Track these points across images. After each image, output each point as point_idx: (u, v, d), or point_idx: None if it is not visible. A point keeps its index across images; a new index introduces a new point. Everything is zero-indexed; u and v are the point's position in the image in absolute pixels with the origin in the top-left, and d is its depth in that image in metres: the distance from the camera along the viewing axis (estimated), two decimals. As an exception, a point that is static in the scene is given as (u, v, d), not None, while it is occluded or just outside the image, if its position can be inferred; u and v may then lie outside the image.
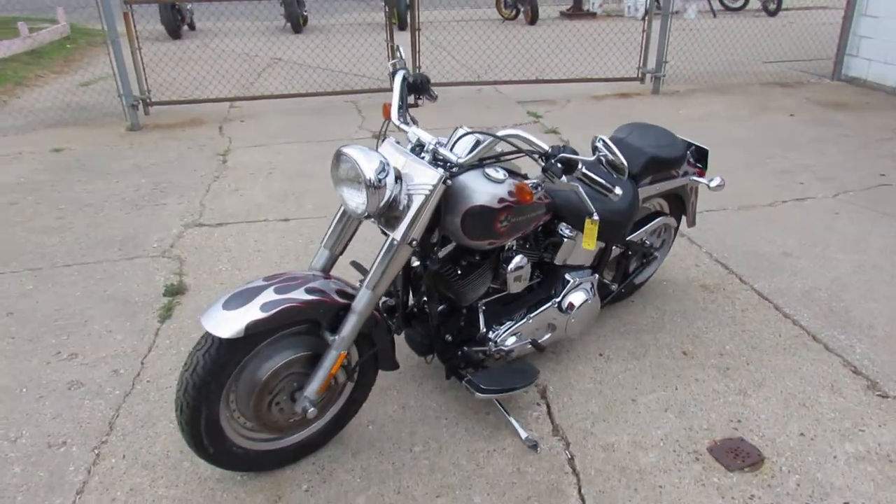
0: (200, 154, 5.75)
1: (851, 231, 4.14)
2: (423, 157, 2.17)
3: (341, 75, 8.41)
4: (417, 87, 2.51)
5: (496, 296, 2.64)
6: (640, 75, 7.62)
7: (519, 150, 2.05)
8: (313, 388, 2.16)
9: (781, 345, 3.07)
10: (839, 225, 4.24)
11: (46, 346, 3.10)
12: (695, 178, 3.13)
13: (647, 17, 7.49)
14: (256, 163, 5.47)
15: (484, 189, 2.19)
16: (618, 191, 2.06)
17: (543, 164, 1.99)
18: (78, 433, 2.56)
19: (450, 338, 2.55)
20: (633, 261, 3.17)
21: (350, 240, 2.36)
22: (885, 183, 4.89)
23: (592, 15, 14.44)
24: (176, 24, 11.41)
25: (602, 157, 1.94)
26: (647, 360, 2.97)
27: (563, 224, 2.68)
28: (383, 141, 2.31)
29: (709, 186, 3.07)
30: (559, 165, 1.98)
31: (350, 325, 2.14)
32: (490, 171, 2.21)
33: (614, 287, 3.09)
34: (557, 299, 2.71)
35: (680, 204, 3.27)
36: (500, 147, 2.17)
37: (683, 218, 3.40)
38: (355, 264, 2.78)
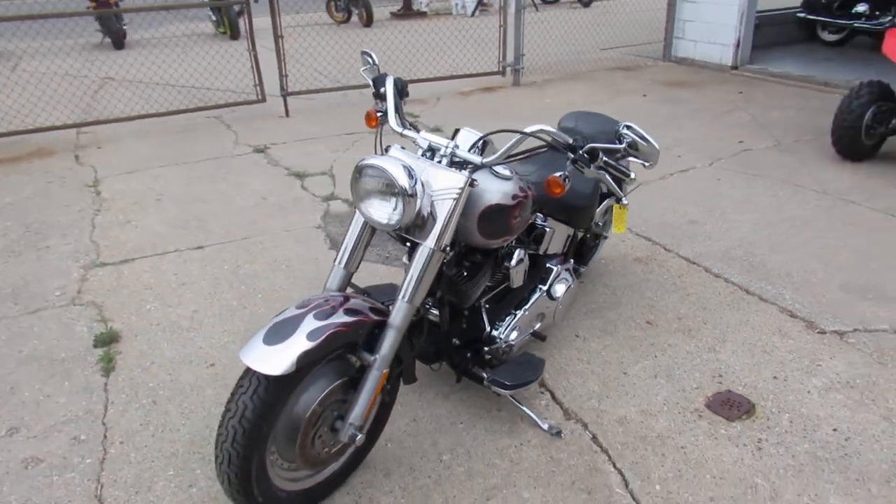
0: (64, 187, 5.17)
1: (737, 194, 4.62)
2: (439, 162, 2.13)
3: (193, 90, 7.90)
4: (400, 93, 2.45)
5: (491, 294, 2.66)
6: (501, 69, 7.91)
7: (547, 144, 2.08)
8: (358, 413, 2.06)
9: (724, 302, 3.37)
10: (725, 190, 4.71)
11: (-25, 425, 2.68)
12: (631, 159, 3.33)
13: (502, 13, 7.77)
14: (136, 191, 5.02)
15: (497, 188, 2.20)
16: (633, 175, 2.16)
17: (573, 155, 2.05)
18: (63, 514, 2.25)
19: (457, 341, 2.54)
20: (588, 242, 3.32)
21: (363, 256, 2.27)
22: (747, 148, 5.49)
23: (423, 14, 14.70)
24: (-27, 47, 10.10)
25: (629, 143, 2.03)
26: (619, 335, 3.13)
27: (538, 214, 2.75)
28: (387, 150, 2.24)
29: (644, 165, 3.27)
30: (586, 156, 2.04)
31: (389, 342, 2.07)
32: (498, 168, 2.22)
33: (582, 269, 3.22)
34: (545, 288, 2.78)
35: (617, 184, 3.46)
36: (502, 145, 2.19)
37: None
38: (351, 284, 2.67)
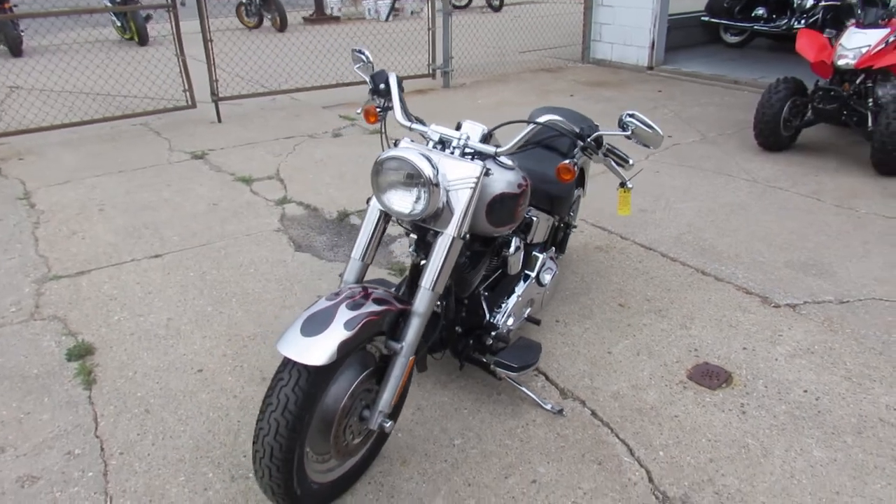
0: (-9, 201, 4.88)
1: (677, 184, 4.91)
2: (451, 153, 2.20)
3: (112, 98, 7.57)
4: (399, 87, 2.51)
5: (487, 282, 2.75)
6: (431, 71, 8.01)
7: (561, 133, 2.20)
8: (387, 400, 2.11)
9: (685, 283, 3.60)
10: (665, 181, 4.99)
11: (-48, 448, 2.52)
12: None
13: (429, 17, 7.88)
14: (75, 201, 4.80)
15: (503, 177, 2.29)
16: (631, 161, 2.31)
17: (582, 143, 2.17)
18: (77, 529, 2.17)
19: (459, 329, 2.61)
20: (562, 231, 3.47)
21: (377, 248, 2.31)
22: (676, 143, 5.83)
23: (336, 19, 14.63)
24: None
25: (633, 130, 2.17)
26: (596, 319, 3.29)
27: None
28: (395, 143, 2.29)
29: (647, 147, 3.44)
30: (594, 143, 2.17)
31: (414, 329, 2.12)
32: (502, 158, 2.32)
33: (560, 257, 3.36)
34: (533, 275, 2.89)
35: (581, 176, 3.64)
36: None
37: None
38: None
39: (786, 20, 8.55)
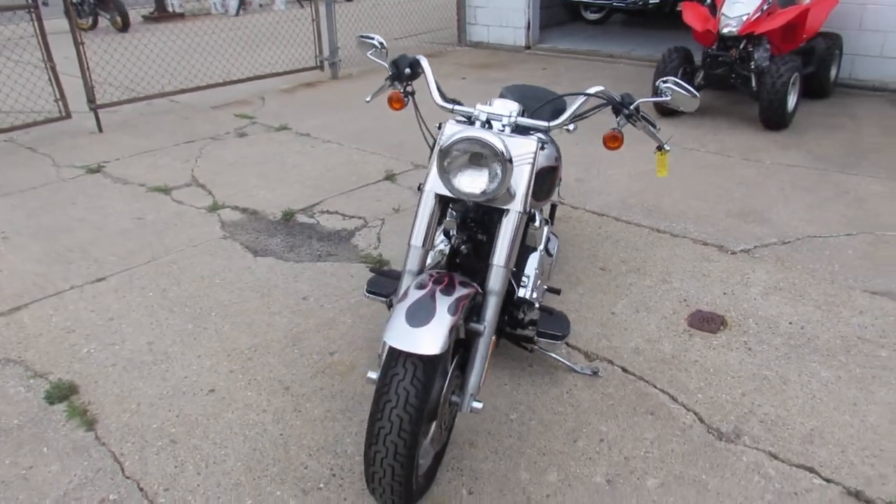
0: None
1: (600, 154, 5.18)
2: (501, 130, 2.21)
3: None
4: (414, 73, 2.47)
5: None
6: (319, 63, 7.81)
7: (606, 100, 2.28)
8: (475, 382, 2.10)
9: (649, 242, 3.83)
10: (589, 151, 5.25)
11: (-44, 519, 2.19)
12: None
13: (313, 7, 7.65)
14: (-32, 232, 4.23)
15: (544, 151, 2.34)
16: (659, 126, 2.44)
17: (627, 111, 2.26)
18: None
19: (495, 307, 2.63)
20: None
21: (434, 234, 2.28)
22: (582, 115, 6.12)
23: (180, 16, 13.78)
24: None
25: (672, 95, 2.28)
26: (586, 284, 3.43)
27: None
28: (439, 127, 2.26)
29: (568, 130, 3.59)
30: (635, 110, 2.27)
31: (493, 307, 2.13)
32: (540, 133, 2.36)
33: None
34: (541, 247, 2.96)
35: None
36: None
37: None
38: (374, 269, 2.64)
39: (641, -4, 9.20)
